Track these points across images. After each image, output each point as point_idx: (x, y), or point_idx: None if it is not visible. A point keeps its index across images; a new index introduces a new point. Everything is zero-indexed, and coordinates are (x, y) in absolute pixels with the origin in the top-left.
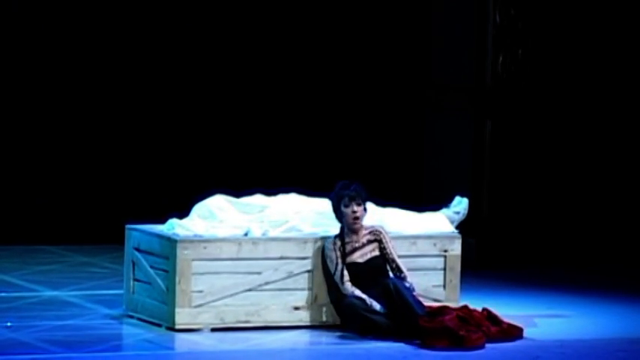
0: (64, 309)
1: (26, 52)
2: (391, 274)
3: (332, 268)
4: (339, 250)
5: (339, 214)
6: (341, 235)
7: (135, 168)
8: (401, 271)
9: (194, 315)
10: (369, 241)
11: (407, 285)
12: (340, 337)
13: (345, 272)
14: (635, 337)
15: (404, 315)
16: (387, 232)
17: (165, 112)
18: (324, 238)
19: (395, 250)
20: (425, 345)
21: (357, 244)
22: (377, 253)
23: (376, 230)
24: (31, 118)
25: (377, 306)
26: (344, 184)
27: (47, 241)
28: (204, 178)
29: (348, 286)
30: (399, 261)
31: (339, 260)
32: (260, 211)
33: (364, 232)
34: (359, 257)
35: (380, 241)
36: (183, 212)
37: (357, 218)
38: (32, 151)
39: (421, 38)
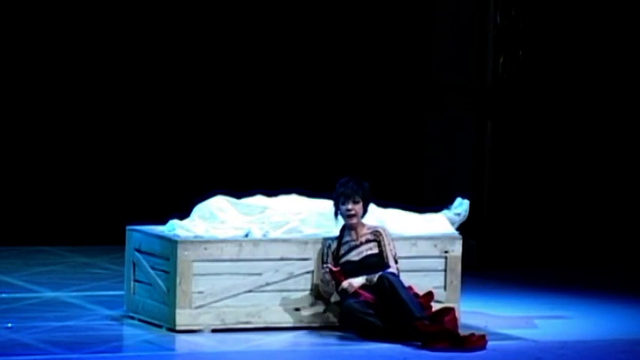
0: (65, 310)
1: (27, 53)
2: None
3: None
4: (333, 253)
5: (336, 212)
6: (340, 235)
7: (136, 169)
8: (388, 266)
9: (195, 316)
10: (368, 240)
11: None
12: (341, 337)
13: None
14: (636, 339)
15: (399, 314)
16: (388, 234)
17: (166, 113)
18: (325, 239)
19: (392, 250)
20: (425, 347)
21: (354, 243)
22: (373, 251)
23: (377, 231)
24: (31, 118)
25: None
26: (342, 182)
27: (48, 242)
28: (205, 179)
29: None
30: (392, 261)
31: (328, 261)
32: (261, 212)
33: (365, 230)
34: (355, 255)
35: (379, 242)
36: (183, 213)
37: (351, 216)
38: (33, 152)
39: (422, 39)
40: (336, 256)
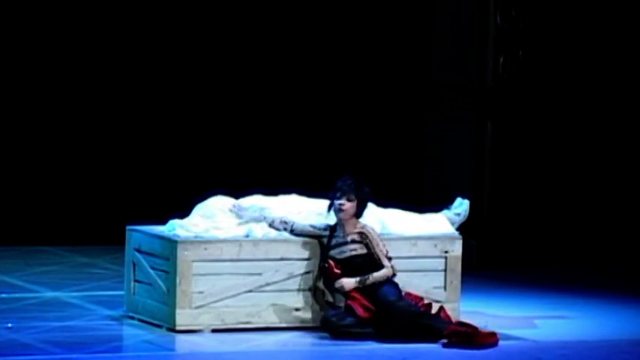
0: (65, 310)
1: (27, 53)
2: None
3: None
4: (328, 236)
5: (330, 205)
6: (333, 229)
7: (136, 169)
8: (383, 266)
9: (195, 316)
10: (354, 241)
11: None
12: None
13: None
14: (637, 339)
15: (430, 336)
16: (375, 235)
17: (166, 113)
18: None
19: (382, 250)
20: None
21: (341, 240)
22: (358, 252)
23: (363, 233)
24: (32, 118)
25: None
26: (344, 178)
27: (48, 242)
28: (205, 179)
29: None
30: (385, 261)
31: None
32: (260, 212)
33: (353, 229)
34: (339, 254)
35: (367, 245)
36: (183, 213)
37: (340, 210)
38: (32, 152)
39: (422, 39)
40: (325, 247)
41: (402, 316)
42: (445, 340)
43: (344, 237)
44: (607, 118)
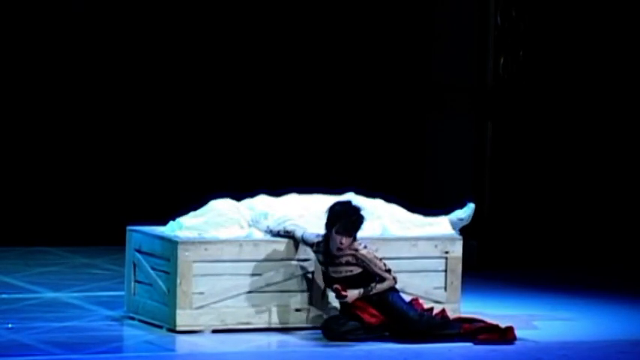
0: (65, 310)
1: (27, 54)
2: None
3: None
4: (319, 258)
5: (328, 228)
6: (326, 243)
7: (136, 169)
8: (384, 280)
9: (195, 316)
10: (348, 262)
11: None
12: None
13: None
14: (637, 339)
15: (445, 339)
16: (370, 257)
17: (167, 113)
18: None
19: (381, 267)
20: (477, 342)
21: (335, 260)
22: (355, 272)
23: (358, 257)
24: (32, 119)
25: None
26: (352, 211)
27: (48, 242)
28: (206, 179)
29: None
30: (386, 275)
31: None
32: (263, 214)
33: (347, 251)
34: (333, 272)
35: (364, 268)
36: (184, 214)
37: (339, 249)
38: (32, 152)
39: (422, 39)
40: (319, 261)
41: (423, 332)
42: (475, 340)
43: (338, 257)
44: (607, 118)
